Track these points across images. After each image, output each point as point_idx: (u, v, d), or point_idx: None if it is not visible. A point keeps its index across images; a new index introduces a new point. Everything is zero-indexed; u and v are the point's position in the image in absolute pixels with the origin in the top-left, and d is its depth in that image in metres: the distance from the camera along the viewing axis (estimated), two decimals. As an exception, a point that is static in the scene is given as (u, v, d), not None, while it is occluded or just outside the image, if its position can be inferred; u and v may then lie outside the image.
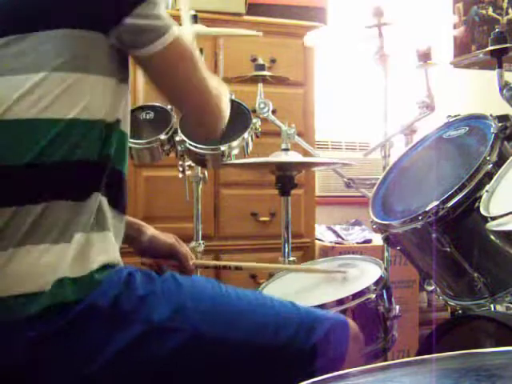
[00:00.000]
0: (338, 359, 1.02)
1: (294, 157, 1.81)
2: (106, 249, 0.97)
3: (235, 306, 1.02)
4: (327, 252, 2.79)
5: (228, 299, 1.03)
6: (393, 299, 1.43)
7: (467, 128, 1.59)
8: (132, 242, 1.28)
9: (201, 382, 0.99)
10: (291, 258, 1.86)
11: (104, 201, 0.99)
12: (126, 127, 1.06)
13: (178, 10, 2.68)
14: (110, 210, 1.00)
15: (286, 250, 1.87)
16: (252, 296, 1.07)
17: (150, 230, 1.31)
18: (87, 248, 0.94)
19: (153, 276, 1.00)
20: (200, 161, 1.94)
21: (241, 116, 1.91)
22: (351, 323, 1.10)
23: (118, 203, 1.04)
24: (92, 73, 0.97)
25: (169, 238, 1.32)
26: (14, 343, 0.89)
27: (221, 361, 0.98)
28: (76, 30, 0.95)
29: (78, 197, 0.95)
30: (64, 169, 0.95)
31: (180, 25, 1.99)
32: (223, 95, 1.17)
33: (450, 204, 1.39)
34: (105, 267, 0.95)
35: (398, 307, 1.43)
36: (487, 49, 1.74)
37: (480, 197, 1.25)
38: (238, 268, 1.48)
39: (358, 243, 2.86)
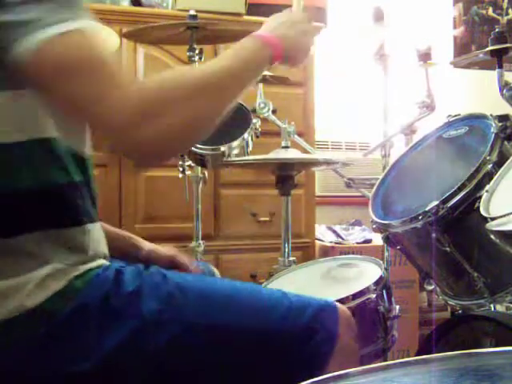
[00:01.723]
0: (331, 339, 1.02)
1: (293, 154, 1.81)
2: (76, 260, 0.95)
3: (223, 293, 1.02)
4: (327, 252, 2.79)
5: (215, 287, 1.03)
6: (393, 299, 1.43)
7: (467, 128, 1.59)
8: (129, 257, 1.26)
9: (199, 370, 0.98)
10: (291, 258, 1.86)
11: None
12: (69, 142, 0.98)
13: (178, 9, 2.69)
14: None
15: (286, 249, 1.87)
16: (239, 284, 1.07)
17: (148, 245, 1.31)
18: (51, 273, 0.92)
19: (140, 270, 1.00)
20: (200, 161, 1.94)
21: (241, 116, 1.92)
22: (341, 307, 1.09)
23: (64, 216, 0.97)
24: None
25: (169, 251, 1.32)
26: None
27: (216, 348, 0.98)
28: None
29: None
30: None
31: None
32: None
33: (450, 204, 1.39)
34: (86, 272, 0.95)
35: (398, 307, 1.43)
36: (487, 49, 1.74)
37: (480, 197, 1.25)
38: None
39: (358, 243, 2.86)
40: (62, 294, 0.91)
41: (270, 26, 1.01)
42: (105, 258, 1.02)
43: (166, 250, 1.32)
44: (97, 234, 1.01)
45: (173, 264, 1.30)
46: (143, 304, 0.94)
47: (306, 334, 1.00)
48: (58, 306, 0.90)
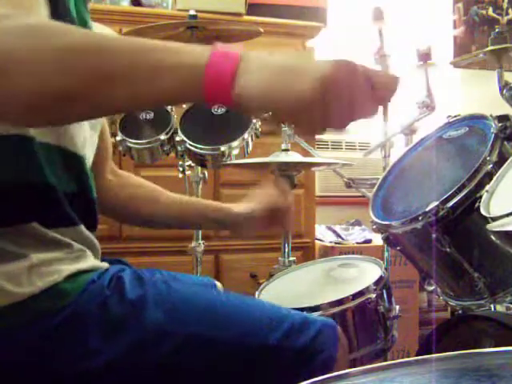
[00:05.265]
0: (330, 359, 1.01)
1: (293, 157, 1.81)
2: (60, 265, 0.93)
3: (227, 308, 1.01)
4: (327, 252, 2.79)
5: (219, 301, 1.02)
6: (393, 299, 1.43)
7: (467, 128, 1.59)
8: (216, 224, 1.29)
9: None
10: (291, 258, 1.86)
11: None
12: (51, 139, 0.94)
13: (178, 9, 2.69)
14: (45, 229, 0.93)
15: (286, 249, 1.87)
16: (243, 299, 1.06)
17: (236, 209, 1.29)
18: (37, 266, 0.90)
19: (143, 278, 0.99)
20: (200, 161, 1.94)
21: (241, 116, 1.92)
22: (338, 327, 1.09)
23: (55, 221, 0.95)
24: None
25: (257, 205, 1.30)
26: None
27: (215, 363, 0.97)
28: None
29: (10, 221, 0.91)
30: None
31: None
32: None
33: (450, 204, 1.39)
34: (76, 275, 0.93)
35: (397, 307, 1.43)
36: (487, 49, 1.74)
37: (480, 197, 1.25)
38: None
39: (358, 243, 2.86)
40: (51, 295, 0.90)
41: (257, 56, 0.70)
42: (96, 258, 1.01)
43: (254, 207, 1.29)
44: (80, 236, 0.99)
45: (274, 214, 1.30)
46: (147, 314, 0.93)
47: (306, 354, 0.99)
48: (47, 306, 0.89)
